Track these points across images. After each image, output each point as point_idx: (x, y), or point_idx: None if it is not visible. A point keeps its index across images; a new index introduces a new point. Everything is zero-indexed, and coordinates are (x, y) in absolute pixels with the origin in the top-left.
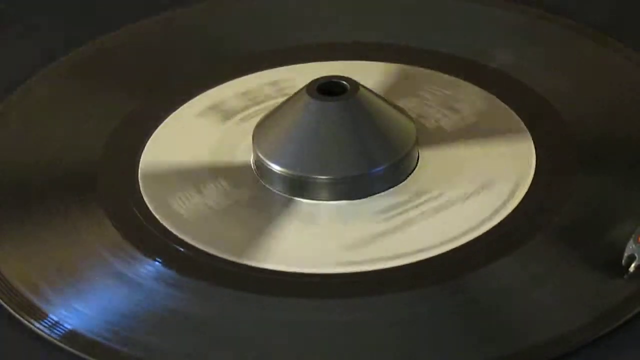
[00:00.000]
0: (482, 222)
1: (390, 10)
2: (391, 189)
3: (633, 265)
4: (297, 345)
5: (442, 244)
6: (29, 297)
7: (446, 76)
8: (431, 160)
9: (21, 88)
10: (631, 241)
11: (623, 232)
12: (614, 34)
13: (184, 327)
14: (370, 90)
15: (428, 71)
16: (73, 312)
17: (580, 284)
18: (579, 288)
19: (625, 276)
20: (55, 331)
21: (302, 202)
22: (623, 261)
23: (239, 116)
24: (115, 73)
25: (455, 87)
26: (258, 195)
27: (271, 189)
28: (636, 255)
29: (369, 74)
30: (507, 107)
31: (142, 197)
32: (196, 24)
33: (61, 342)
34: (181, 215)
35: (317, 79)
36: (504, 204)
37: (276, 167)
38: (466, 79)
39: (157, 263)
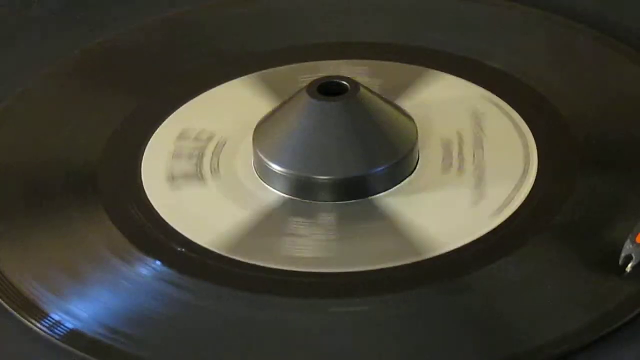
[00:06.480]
0: (482, 222)
1: (390, 10)
2: (391, 189)
3: (630, 265)
4: (297, 344)
5: (441, 244)
6: (30, 297)
7: (446, 75)
8: (431, 160)
9: (21, 88)
10: (628, 241)
11: (624, 232)
12: (614, 34)
13: (185, 327)
14: (370, 90)
15: (427, 71)
16: (74, 312)
17: (580, 285)
18: (578, 288)
19: (623, 275)
20: (56, 331)
21: (302, 202)
22: (620, 261)
23: (239, 119)
24: (115, 73)
25: (455, 86)
26: (258, 195)
27: (271, 188)
28: (633, 255)
29: (369, 74)
30: (507, 106)
31: (142, 196)
32: (196, 24)
33: (62, 341)
34: (182, 214)
35: (317, 79)
36: (504, 204)
37: (276, 167)
38: (466, 78)
39: (158, 262)
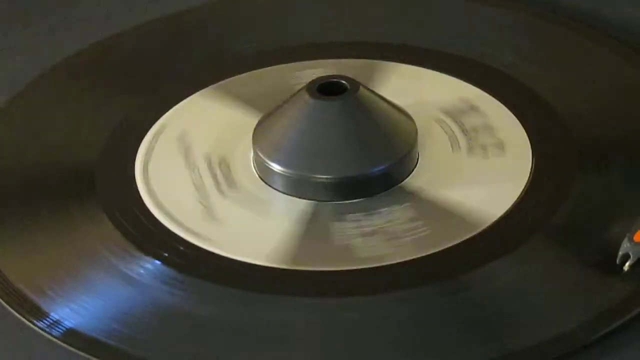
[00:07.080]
0: (481, 222)
1: (390, 10)
2: (391, 189)
3: (627, 264)
4: (296, 344)
5: (440, 243)
6: (29, 296)
7: (445, 76)
8: (430, 160)
9: (21, 88)
10: (626, 240)
11: (622, 231)
12: (614, 34)
13: (184, 326)
14: (370, 90)
15: (427, 71)
16: (73, 311)
17: (579, 284)
18: (577, 288)
19: (621, 273)
20: (56, 330)
21: (301, 201)
22: (617, 260)
23: (239, 118)
24: (115, 73)
25: (453, 86)
26: (258, 194)
27: (271, 188)
28: (630, 254)
29: (369, 73)
30: (505, 107)
31: (141, 196)
32: (196, 24)
33: (61, 340)
34: (181, 214)
35: (317, 79)
36: (502, 203)
37: (276, 167)
38: (465, 78)
39: (156, 262)
